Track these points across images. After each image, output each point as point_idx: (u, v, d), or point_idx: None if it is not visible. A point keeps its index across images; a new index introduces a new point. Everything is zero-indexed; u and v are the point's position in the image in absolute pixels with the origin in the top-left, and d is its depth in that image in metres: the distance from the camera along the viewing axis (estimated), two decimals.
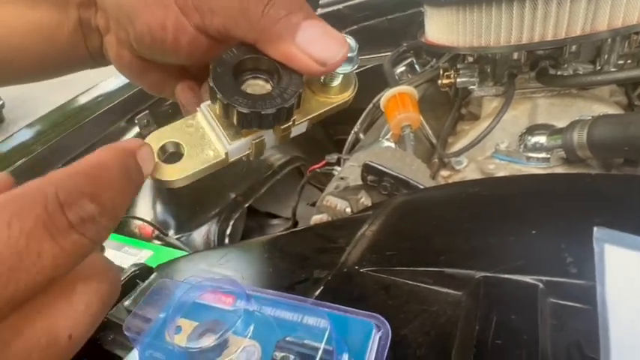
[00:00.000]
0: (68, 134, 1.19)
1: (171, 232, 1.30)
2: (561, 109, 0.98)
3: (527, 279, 0.38)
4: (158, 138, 0.32)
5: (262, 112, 0.30)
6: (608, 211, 0.43)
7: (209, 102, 0.34)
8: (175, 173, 0.32)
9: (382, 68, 1.29)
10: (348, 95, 0.36)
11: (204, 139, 0.33)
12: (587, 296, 0.35)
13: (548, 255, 0.40)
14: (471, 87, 1.11)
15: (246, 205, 1.39)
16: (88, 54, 0.43)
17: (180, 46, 0.35)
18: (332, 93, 0.36)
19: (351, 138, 1.28)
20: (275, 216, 1.52)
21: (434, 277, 0.42)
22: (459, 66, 1.14)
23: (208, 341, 0.40)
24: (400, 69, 1.35)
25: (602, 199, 0.46)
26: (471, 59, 1.15)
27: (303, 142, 1.59)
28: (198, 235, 1.31)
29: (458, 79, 1.12)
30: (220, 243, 1.31)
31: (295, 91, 0.31)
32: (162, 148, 0.32)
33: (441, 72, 1.15)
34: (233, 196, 1.38)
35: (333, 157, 1.14)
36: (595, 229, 0.36)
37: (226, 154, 0.33)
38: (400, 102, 1.03)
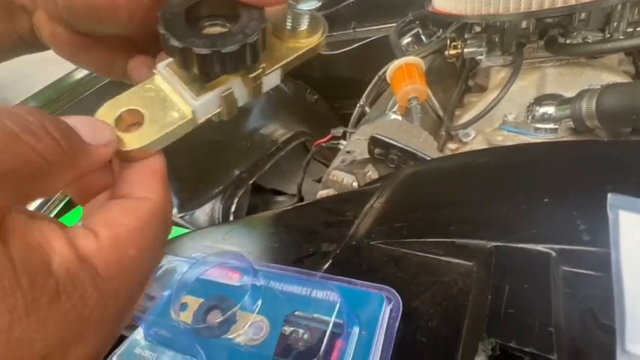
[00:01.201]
0: (64, 111, 1.17)
1: (174, 211, 1.31)
2: (570, 78, 0.97)
3: (540, 247, 0.38)
4: (113, 107, 0.29)
5: (223, 51, 0.27)
6: (622, 178, 0.43)
7: (167, 61, 0.31)
8: (136, 141, 0.28)
9: (388, 40, 1.27)
10: (317, 39, 0.34)
11: (165, 102, 0.30)
12: (601, 263, 0.35)
13: (560, 223, 0.40)
14: (479, 57, 1.10)
15: (251, 182, 1.38)
16: (19, 38, 0.38)
17: (118, 8, 0.31)
18: (300, 37, 0.34)
19: (356, 111, 1.27)
20: (280, 192, 1.52)
21: (444, 247, 0.42)
22: (466, 36, 1.13)
23: (215, 318, 0.41)
24: (406, 40, 1.33)
25: (615, 166, 0.45)
26: (478, 29, 1.13)
27: (308, 117, 1.59)
28: (202, 214, 1.31)
29: (465, 50, 1.11)
30: (225, 221, 1.30)
31: (257, 26, 0.28)
32: (120, 119, 0.29)
33: (448, 42, 1.14)
34: (237, 172, 1.38)
35: (338, 131, 1.14)
36: (609, 195, 0.36)
37: (193, 112, 0.30)
38: (407, 73, 1.02)
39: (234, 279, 0.44)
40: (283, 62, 0.33)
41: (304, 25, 0.34)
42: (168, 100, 0.30)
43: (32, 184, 0.21)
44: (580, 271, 0.36)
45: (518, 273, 0.36)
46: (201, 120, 0.31)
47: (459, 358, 0.34)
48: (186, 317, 0.41)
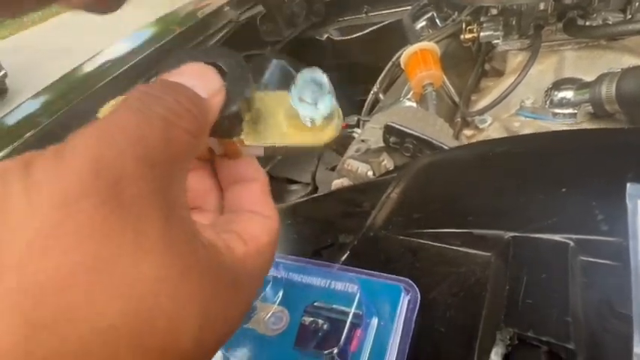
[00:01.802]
0: (76, 104, 1.18)
1: None
2: (589, 61, 0.97)
3: (558, 237, 0.39)
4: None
5: None
6: None
7: None
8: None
9: (401, 24, 1.27)
10: (324, 139, 0.30)
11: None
12: (618, 253, 0.36)
13: (578, 213, 0.41)
14: (495, 41, 1.09)
15: (265, 171, 1.40)
16: None
17: None
18: (307, 129, 0.30)
19: (370, 98, 1.27)
20: (294, 181, 1.54)
21: (462, 238, 0.43)
22: (482, 19, 1.12)
23: None
24: (420, 24, 1.32)
25: (636, 154, 0.46)
26: (495, 11, 1.12)
27: None
28: None
29: (481, 33, 1.10)
30: None
31: (237, 96, 0.27)
32: None
33: (464, 26, 1.13)
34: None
35: (352, 119, 1.14)
36: (628, 185, 0.37)
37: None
38: (422, 59, 1.02)
39: None
40: (269, 144, 0.29)
41: (317, 122, 0.29)
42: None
43: (188, 162, 0.23)
44: (598, 260, 0.37)
45: (536, 263, 0.37)
46: None
47: (477, 348, 0.35)
48: None
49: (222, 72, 0.27)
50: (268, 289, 0.43)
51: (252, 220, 0.28)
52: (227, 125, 0.27)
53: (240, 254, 0.24)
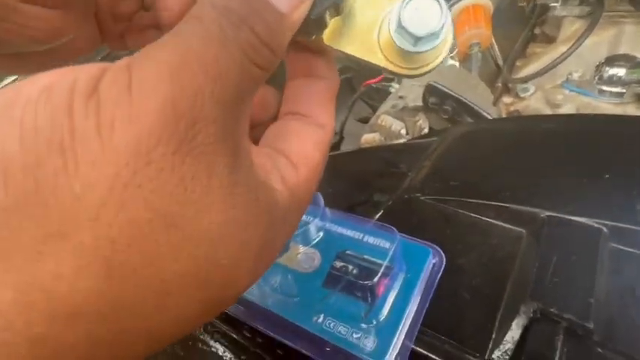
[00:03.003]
0: None
1: None
2: None
3: (592, 222, 0.42)
4: None
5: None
6: None
7: None
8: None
9: None
10: (420, 71, 0.27)
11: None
12: None
13: (618, 200, 0.44)
14: (553, 4, 1.07)
15: None
16: None
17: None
18: (404, 60, 0.26)
19: None
20: None
21: (497, 211, 0.46)
22: None
23: None
24: None
25: None
26: None
27: None
28: None
29: None
30: None
31: (321, 3, 0.25)
32: None
33: None
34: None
35: None
36: None
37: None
38: (473, 15, 1.02)
39: None
40: (349, 52, 0.27)
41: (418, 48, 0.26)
42: None
43: (253, 96, 0.22)
44: (628, 249, 0.40)
45: (568, 244, 0.41)
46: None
47: (499, 317, 0.39)
48: None
49: None
50: (305, 232, 0.47)
51: (303, 133, 0.27)
52: (307, 29, 0.25)
53: (292, 185, 0.24)
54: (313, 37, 0.26)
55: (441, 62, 0.26)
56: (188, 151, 0.18)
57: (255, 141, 0.30)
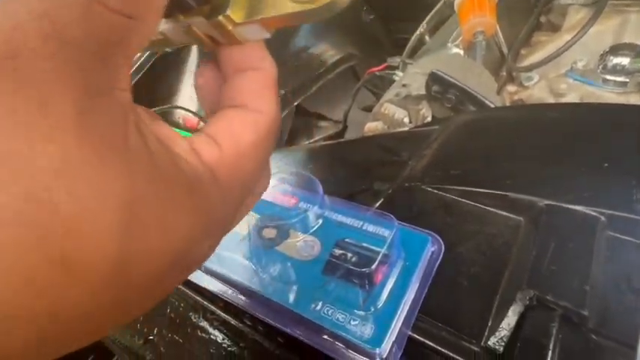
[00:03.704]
0: None
1: None
2: None
3: (590, 211, 0.42)
4: None
5: None
6: None
7: None
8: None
9: None
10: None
11: None
12: None
13: (616, 189, 0.44)
14: None
15: (295, 104, 1.41)
16: None
17: None
18: None
19: (414, 39, 1.27)
20: (324, 117, 1.56)
21: (497, 200, 0.47)
22: None
23: (269, 234, 0.47)
24: None
25: None
26: None
27: (361, 38, 1.58)
28: None
29: None
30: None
31: None
32: None
33: None
34: (282, 92, 1.40)
35: (395, 61, 1.15)
36: None
37: (164, 34, 0.29)
38: (477, 3, 1.00)
39: (291, 203, 0.50)
40: (265, 16, 0.25)
41: None
42: None
43: (125, 42, 0.20)
44: (624, 237, 0.40)
45: (566, 232, 0.41)
46: (176, 43, 0.30)
47: (496, 304, 0.40)
48: (241, 229, 0.48)
49: None
50: (303, 220, 0.48)
51: (236, 117, 0.27)
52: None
53: (209, 159, 0.23)
54: (216, 17, 0.25)
55: None
56: (11, 83, 0.17)
57: None
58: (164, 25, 0.28)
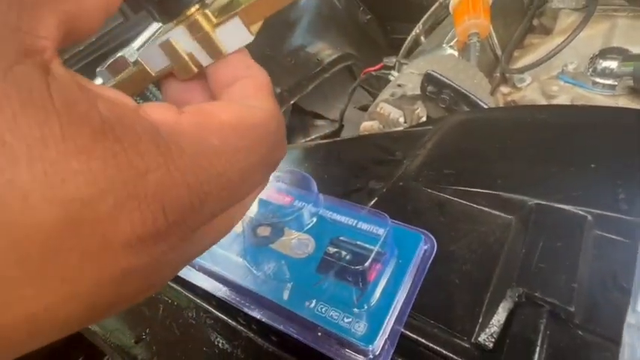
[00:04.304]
0: None
1: None
2: None
3: (578, 210, 0.43)
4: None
5: None
6: None
7: None
8: None
9: None
10: None
11: None
12: (631, 231, 0.40)
13: (602, 189, 0.45)
14: None
15: (292, 102, 1.42)
16: None
17: None
18: None
19: (410, 39, 1.28)
20: (320, 116, 1.56)
21: (489, 199, 0.48)
22: None
23: (264, 232, 0.48)
24: None
25: None
26: None
27: (357, 38, 1.59)
28: None
29: None
30: None
31: None
32: None
33: None
34: (278, 90, 1.40)
35: (390, 61, 1.16)
36: None
37: (139, 62, 0.28)
38: (472, 5, 1.02)
39: (285, 201, 0.50)
40: (238, 9, 0.25)
41: None
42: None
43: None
44: (611, 236, 0.41)
45: (554, 231, 0.42)
46: (155, 72, 0.28)
47: (487, 301, 0.40)
48: (236, 227, 0.49)
49: None
50: (298, 218, 0.48)
51: (220, 103, 0.24)
52: None
53: (158, 118, 0.20)
54: (196, 15, 0.25)
55: None
56: None
57: None
58: (142, 53, 0.27)
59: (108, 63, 0.28)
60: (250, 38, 0.26)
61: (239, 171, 0.22)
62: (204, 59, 0.26)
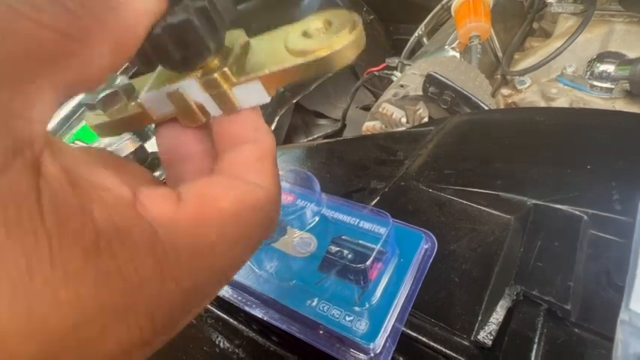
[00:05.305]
0: None
1: None
2: (637, 37, 0.98)
3: (575, 210, 0.44)
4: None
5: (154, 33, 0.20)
6: None
7: None
8: (94, 119, 0.28)
9: None
10: (331, 46, 0.22)
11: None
12: (625, 231, 0.40)
13: (597, 190, 0.46)
14: (550, 0, 1.10)
15: (294, 102, 1.42)
16: None
17: None
18: (315, 45, 0.23)
19: (412, 40, 1.28)
20: (323, 116, 1.56)
21: (488, 199, 0.48)
22: None
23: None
24: None
25: None
26: None
27: None
28: None
29: None
30: None
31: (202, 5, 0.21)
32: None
33: None
34: (281, 90, 1.41)
35: (393, 61, 1.16)
36: None
37: (141, 105, 0.26)
38: (473, 9, 1.03)
39: (287, 200, 0.51)
40: (268, 72, 0.23)
41: (325, 26, 0.24)
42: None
43: (57, 68, 0.16)
44: (606, 236, 0.42)
45: (551, 231, 0.42)
46: (157, 117, 0.26)
47: (486, 299, 0.41)
48: None
49: None
50: (300, 217, 0.48)
51: (220, 181, 0.22)
52: (172, 42, 0.21)
53: (156, 214, 0.18)
54: (214, 74, 0.23)
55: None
56: None
57: None
58: (143, 95, 0.25)
59: (100, 97, 0.26)
60: (267, 99, 0.25)
61: (233, 260, 0.22)
62: (214, 110, 0.25)
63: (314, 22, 0.24)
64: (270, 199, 0.23)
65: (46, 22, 0.15)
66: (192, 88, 0.24)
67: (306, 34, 0.24)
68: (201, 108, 0.25)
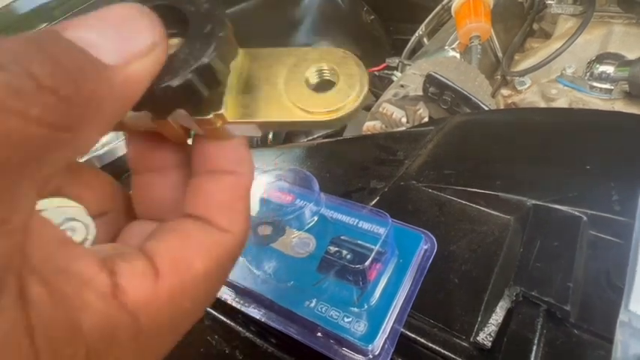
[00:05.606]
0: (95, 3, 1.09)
1: None
2: (636, 39, 0.98)
3: (574, 211, 0.43)
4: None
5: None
6: None
7: None
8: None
9: None
10: (340, 113, 0.22)
11: None
12: (624, 232, 0.40)
13: (597, 191, 0.45)
14: (549, 1, 1.10)
15: None
16: None
17: None
18: (317, 99, 0.22)
19: (413, 40, 1.28)
20: None
21: (488, 199, 0.48)
22: None
23: (265, 231, 0.47)
24: None
25: None
26: None
27: (361, 38, 1.59)
28: None
29: None
30: (263, 141, 1.33)
31: (182, 67, 0.20)
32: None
33: None
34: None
35: (393, 61, 1.16)
36: None
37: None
38: (473, 9, 1.03)
39: (287, 200, 0.50)
40: (260, 120, 0.22)
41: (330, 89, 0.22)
42: None
43: (43, 165, 0.15)
44: (605, 236, 0.42)
45: (551, 231, 0.42)
46: (137, 129, 0.24)
47: (485, 300, 0.40)
48: None
49: (183, 21, 0.20)
50: (299, 217, 0.47)
51: (192, 234, 0.21)
52: (170, 101, 0.20)
53: (135, 297, 0.18)
54: (207, 114, 0.21)
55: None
56: None
57: (112, 239, 0.25)
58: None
59: None
60: (258, 134, 0.24)
61: (201, 312, 0.22)
62: (200, 132, 0.23)
63: (320, 64, 0.23)
64: (239, 245, 0.23)
65: (35, 116, 0.14)
66: (181, 116, 0.22)
67: (308, 83, 0.22)
68: (187, 130, 0.23)
